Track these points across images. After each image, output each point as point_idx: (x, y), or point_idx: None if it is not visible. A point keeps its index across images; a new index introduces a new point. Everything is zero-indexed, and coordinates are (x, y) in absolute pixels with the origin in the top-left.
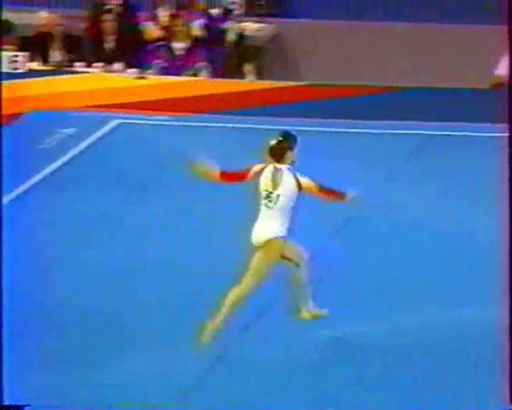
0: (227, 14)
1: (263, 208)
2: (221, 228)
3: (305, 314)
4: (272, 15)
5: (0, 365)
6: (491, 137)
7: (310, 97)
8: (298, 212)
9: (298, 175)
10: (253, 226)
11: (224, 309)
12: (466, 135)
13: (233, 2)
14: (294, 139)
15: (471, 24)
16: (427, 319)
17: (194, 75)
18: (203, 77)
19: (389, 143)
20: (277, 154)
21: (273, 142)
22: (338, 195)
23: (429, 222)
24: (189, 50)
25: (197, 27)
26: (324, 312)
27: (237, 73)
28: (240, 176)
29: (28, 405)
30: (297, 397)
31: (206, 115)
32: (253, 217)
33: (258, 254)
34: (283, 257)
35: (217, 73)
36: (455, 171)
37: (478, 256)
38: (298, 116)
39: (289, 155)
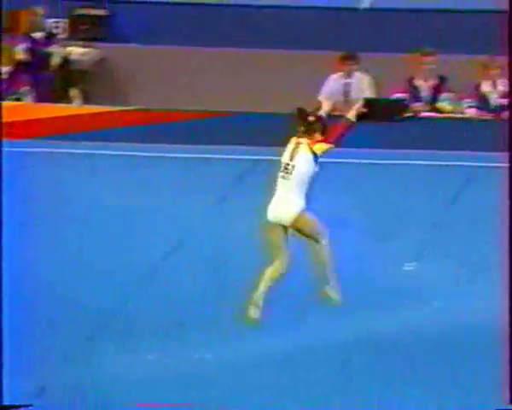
0: (51, 37)
1: (280, 182)
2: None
3: (324, 293)
4: (97, 40)
5: (0, 365)
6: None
7: (137, 122)
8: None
9: (312, 146)
10: (271, 203)
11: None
12: None
13: (57, 27)
14: (324, 125)
15: (303, 50)
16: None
17: (18, 100)
18: (28, 101)
19: (217, 168)
20: (308, 131)
21: (311, 119)
22: (345, 128)
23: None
24: (12, 74)
25: (21, 51)
26: (336, 296)
27: (63, 98)
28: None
29: (31, 405)
30: None
31: (31, 140)
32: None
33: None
34: (300, 231)
35: (42, 97)
36: None
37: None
38: (126, 141)
39: (316, 136)
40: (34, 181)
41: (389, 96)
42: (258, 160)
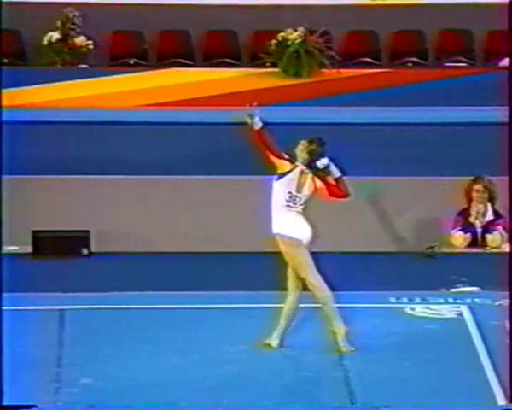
0: None
1: (285, 209)
2: None
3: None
4: None
5: (0, 365)
6: None
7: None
8: None
9: (315, 178)
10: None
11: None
12: None
13: None
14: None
15: None
16: None
17: None
18: None
19: None
20: (313, 159)
21: (314, 146)
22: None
23: None
24: None
25: None
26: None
27: None
28: (272, 151)
29: (33, 405)
30: None
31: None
32: None
33: (300, 251)
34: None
35: None
36: None
37: None
38: None
39: (322, 160)
40: None
41: None
42: None
